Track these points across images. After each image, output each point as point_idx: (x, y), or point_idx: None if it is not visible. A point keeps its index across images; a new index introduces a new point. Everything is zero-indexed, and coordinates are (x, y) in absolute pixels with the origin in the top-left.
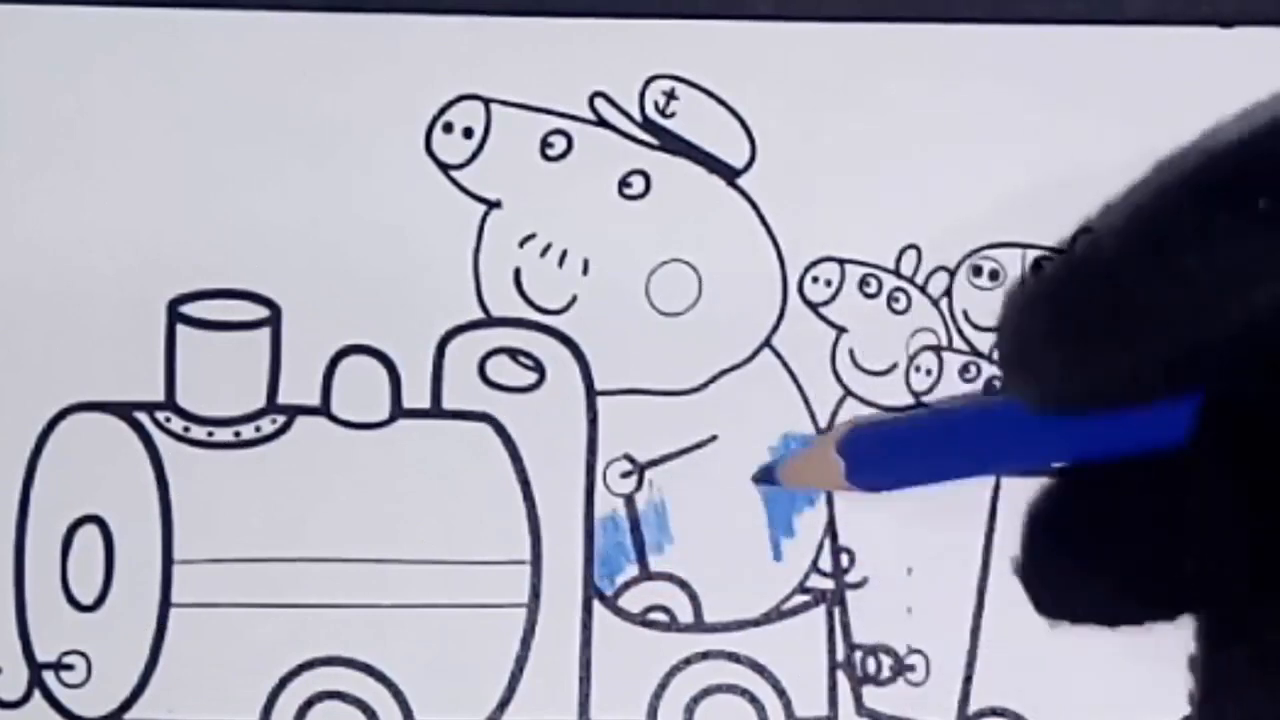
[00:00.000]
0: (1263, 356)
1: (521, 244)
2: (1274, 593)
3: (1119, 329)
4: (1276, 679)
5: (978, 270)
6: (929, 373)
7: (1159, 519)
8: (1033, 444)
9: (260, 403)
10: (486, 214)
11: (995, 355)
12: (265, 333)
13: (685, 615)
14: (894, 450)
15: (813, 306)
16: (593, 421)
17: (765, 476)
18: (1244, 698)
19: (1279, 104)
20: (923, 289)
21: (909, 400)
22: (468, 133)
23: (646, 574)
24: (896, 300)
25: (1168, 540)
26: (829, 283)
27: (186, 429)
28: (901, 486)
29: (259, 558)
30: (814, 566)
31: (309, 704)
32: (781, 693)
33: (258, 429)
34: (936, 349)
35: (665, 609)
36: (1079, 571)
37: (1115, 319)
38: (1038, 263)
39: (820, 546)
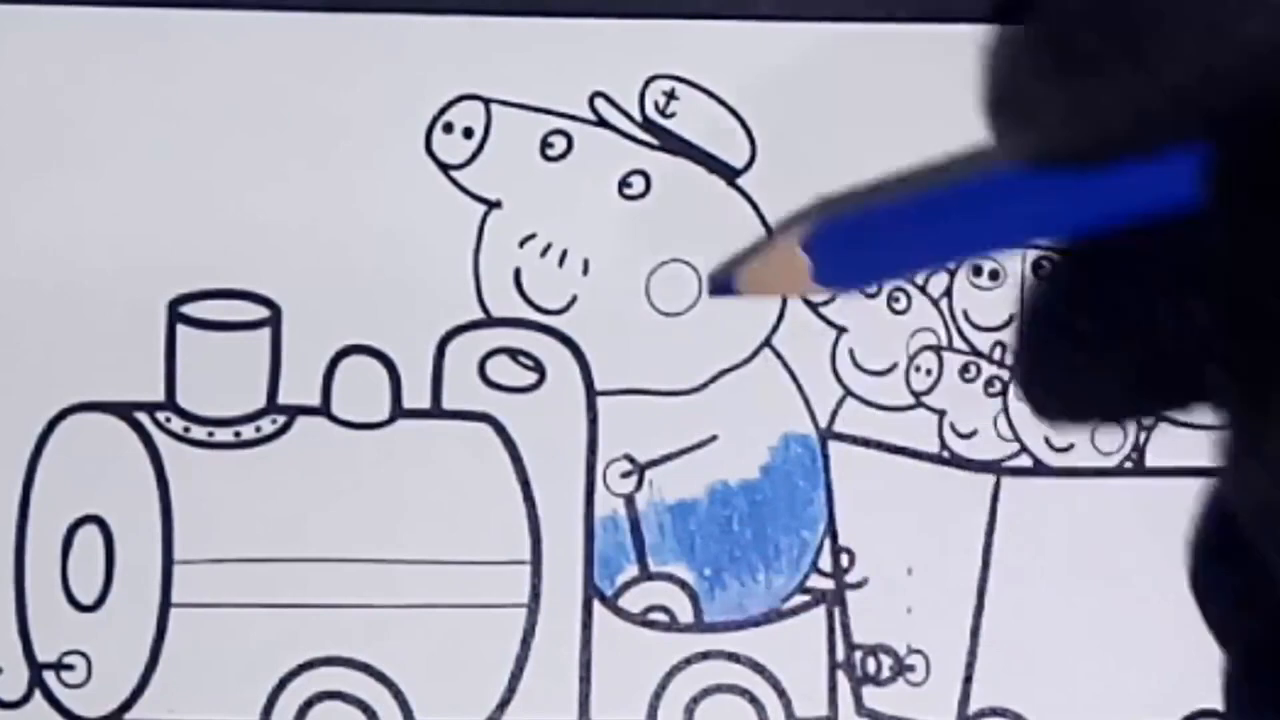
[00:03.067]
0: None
1: (521, 244)
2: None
3: (1134, 54)
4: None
5: (978, 270)
6: (929, 373)
7: (1170, 291)
8: (1025, 215)
9: (260, 403)
10: (486, 214)
11: (984, 110)
12: (265, 333)
13: (685, 615)
14: (867, 241)
15: (813, 306)
16: (593, 421)
17: (722, 286)
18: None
19: None
20: (923, 289)
21: (909, 400)
22: (468, 133)
23: (646, 574)
24: (896, 300)
25: (1180, 314)
26: None
27: (187, 429)
28: (878, 281)
29: (259, 558)
30: (814, 566)
31: (309, 704)
32: (781, 693)
33: (258, 429)
34: (936, 349)
35: (665, 609)
36: (1086, 362)
37: (1129, 44)
38: (1038, 262)
39: (820, 546)
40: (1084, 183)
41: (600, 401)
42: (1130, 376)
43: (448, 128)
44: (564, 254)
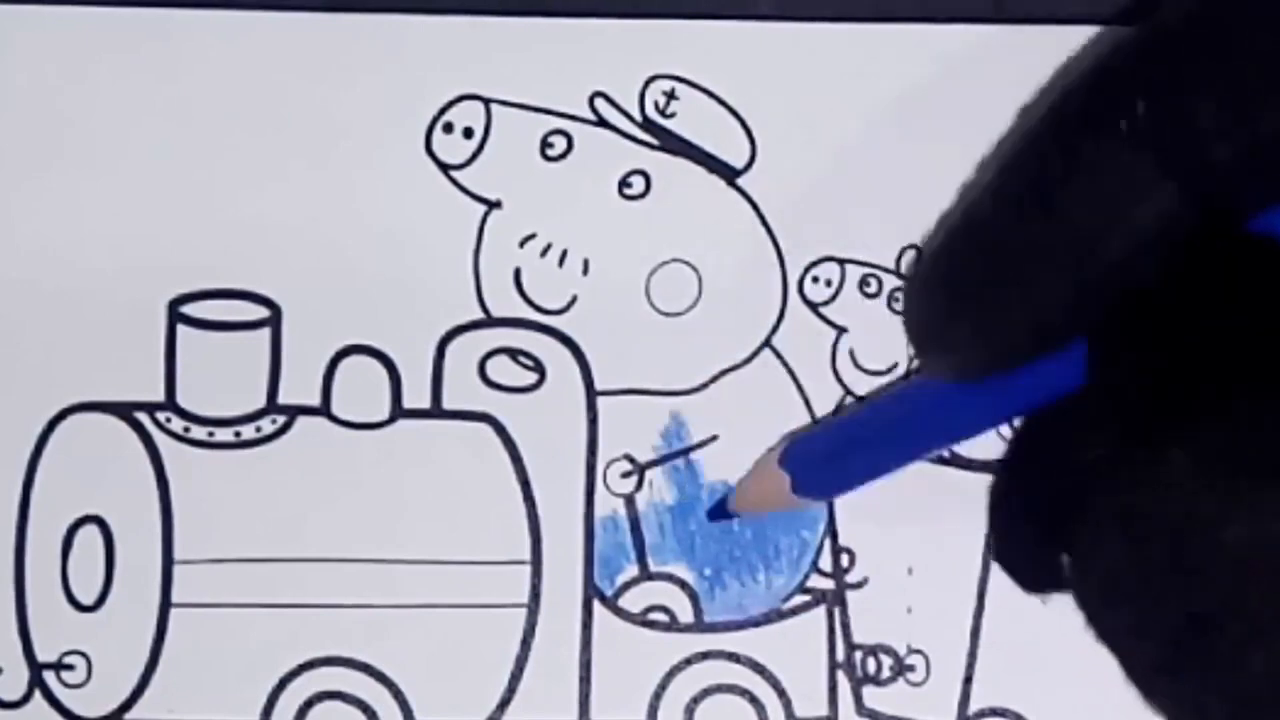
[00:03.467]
0: (1163, 263)
1: (521, 244)
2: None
3: (1014, 281)
4: (1135, 530)
5: None
6: None
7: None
8: (959, 416)
9: (260, 403)
10: (486, 214)
11: (909, 342)
12: (265, 333)
13: (685, 615)
14: (833, 454)
15: (813, 306)
16: (593, 421)
17: (718, 512)
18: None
19: (1119, 33)
20: None
21: None
22: (468, 133)
23: (646, 574)
24: (896, 300)
25: None
26: (829, 283)
27: (187, 429)
28: (848, 489)
29: (259, 558)
30: (814, 566)
31: (309, 704)
32: (781, 693)
33: (258, 429)
34: None
35: (665, 609)
36: (1038, 542)
37: (1008, 273)
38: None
39: (820, 546)
40: (1004, 383)
41: (600, 401)
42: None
43: (448, 128)
44: (564, 254)
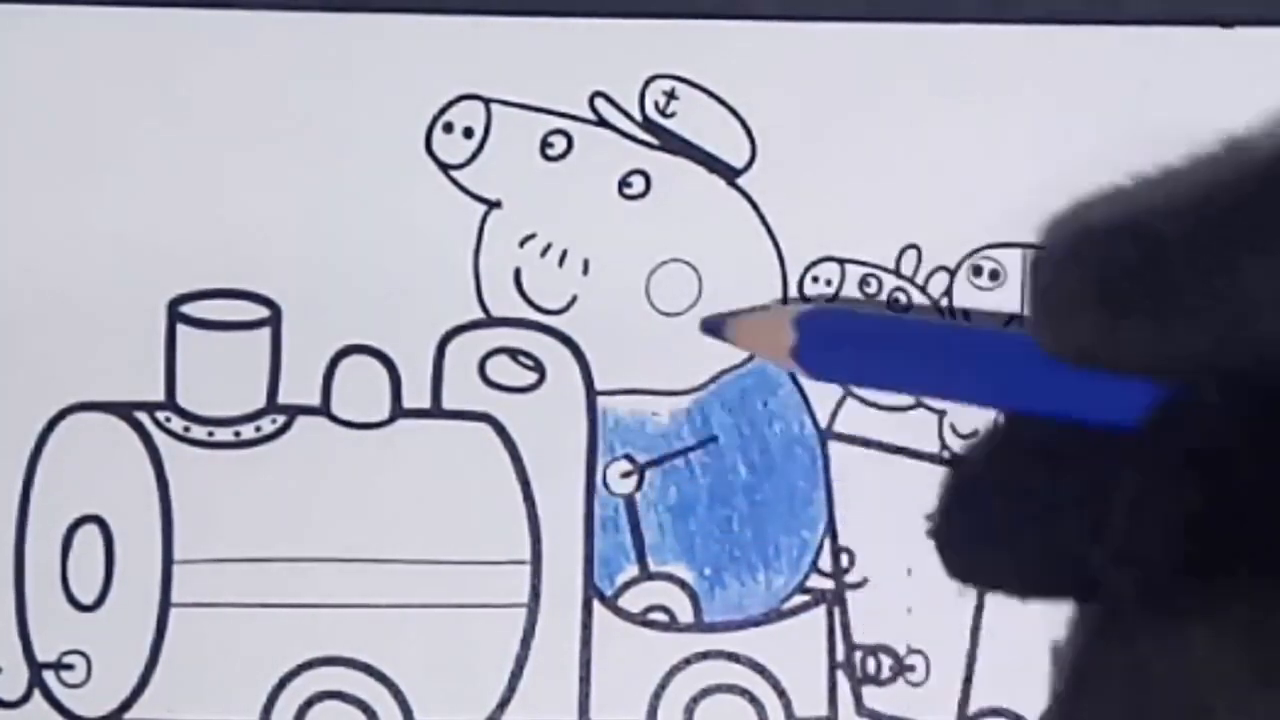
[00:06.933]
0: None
1: (521, 244)
2: (1165, 602)
3: (1162, 311)
4: (1141, 693)
5: (978, 270)
6: None
7: (1084, 497)
8: (1000, 381)
9: (260, 403)
10: (486, 214)
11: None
12: (265, 333)
13: (685, 615)
14: (854, 343)
15: None
16: (593, 421)
17: (715, 327)
18: (1104, 705)
19: None
20: (923, 289)
21: (910, 400)
22: (468, 133)
23: (646, 574)
24: (896, 300)
25: (1088, 520)
26: (829, 283)
27: (187, 429)
28: (851, 383)
29: (259, 558)
30: (814, 566)
31: (309, 704)
32: (781, 693)
33: (258, 429)
34: None
35: (665, 609)
36: (996, 538)
37: (1162, 300)
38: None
39: (820, 546)
40: (1070, 374)
41: (600, 401)
42: (1034, 561)
43: (448, 128)
44: (564, 254)
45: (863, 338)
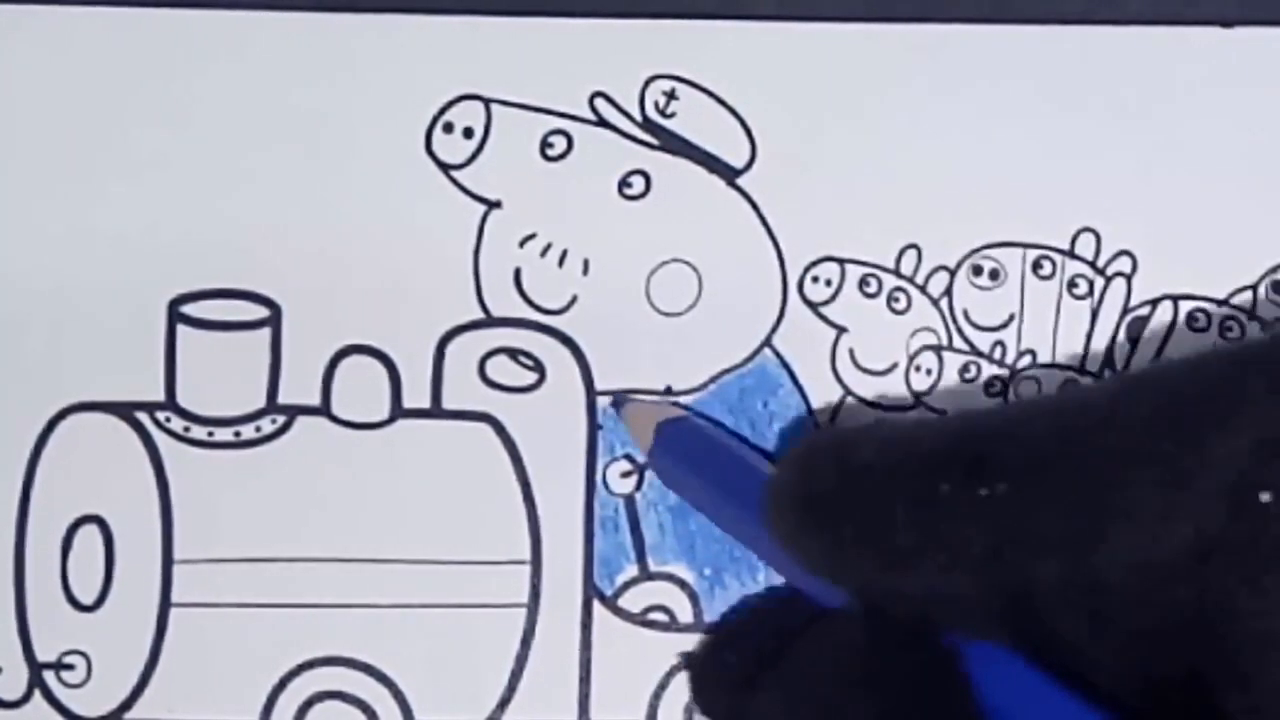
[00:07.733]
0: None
1: (521, 244)
2: None
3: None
4: None
5: (978, 270)
6: (929, 372)
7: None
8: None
9: (260, 403)
10: (486, 214)
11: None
12: (265, 333)
13: (685, 615)
14: (695, 459)
15: (813, 306)
16: (593, 421)
17: (618, 401)
18: None
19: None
20: (923, 289)
21: (909, 400)
22: (468, 133)
23: (646, 574)
24: (896, 300)
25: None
26: (829, 283)
27: (187, 429)
28: (684, 498)
29: (259, 558)
30: None
31: (309, 704)
32: None
33: (258, 429)
34: (936, 349)
35: (665, 609)
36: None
37: (840, 524)
38: (1038, 261)
39: None
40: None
41: (600, 401)
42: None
43: (448, 128)
44: (564, 254)
45: (703, 464)
